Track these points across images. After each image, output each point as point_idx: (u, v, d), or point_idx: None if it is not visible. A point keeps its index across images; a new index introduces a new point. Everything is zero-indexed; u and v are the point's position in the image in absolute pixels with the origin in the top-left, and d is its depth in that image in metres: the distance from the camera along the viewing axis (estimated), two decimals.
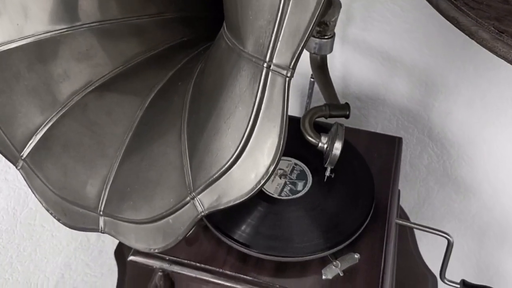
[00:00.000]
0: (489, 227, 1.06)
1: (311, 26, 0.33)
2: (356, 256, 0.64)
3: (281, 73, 0.36)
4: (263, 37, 0.36)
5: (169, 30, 0.59)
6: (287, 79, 0.36)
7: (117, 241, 1.06)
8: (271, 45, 0.36)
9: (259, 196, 0.69)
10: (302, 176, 0.71)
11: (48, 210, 0.53)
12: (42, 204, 0.54)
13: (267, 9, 0.35)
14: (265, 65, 0.36)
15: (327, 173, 0.68)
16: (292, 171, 0.72)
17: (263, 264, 0.64)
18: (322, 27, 0.66)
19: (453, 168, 1.01)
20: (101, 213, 0.51)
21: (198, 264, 0.65)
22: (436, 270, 1.03)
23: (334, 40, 0.68)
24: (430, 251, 1.08)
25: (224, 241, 0.65)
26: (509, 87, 0.85)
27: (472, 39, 0.44)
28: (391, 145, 0.82)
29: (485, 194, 1.01)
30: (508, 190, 0.97)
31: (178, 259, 0.65)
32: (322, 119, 0.70)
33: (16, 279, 0.89)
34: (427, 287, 1.03)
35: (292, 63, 0.35)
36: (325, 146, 0.63)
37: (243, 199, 0.40)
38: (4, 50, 0.52)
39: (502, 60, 0.84)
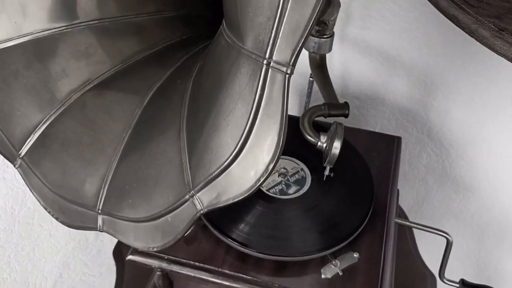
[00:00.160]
0: (488, 226, 1.06)
1: (311, 22, 0.33)
2: (356, 255, 0.63)
3: (281, 70, 0.36)
4: (262, 33, 0.36)
5: (168, 28, 0.59)
6: (287, 76, 0.36)
7: (115, 241, 1.06)
8: (271, 42, 0.35)
9: (259, 196, 0.69)
10: (299, 182, 0.71)
11: (46, 209, 0.53)
12: (40, 203, 0.53)
13: (267, 5, 0.35)
14: (264, 62, 0.36)
15: (326, 172, 0.67)
16: (293, 175, 0.71)
17: (262, 263, 0.64)
18: (321, 26, 0.66)
19: (452, 167, 1.01)
20: (99, 211, 0.51)
21: (197, 264, 0.64)
22: (435, 270, 1.03)
23: (333, 39, 0.67)
24: (429, 250, 1.08)
25: (223, 240, 0.65)
26: (509, 86, 0.85)
27: (472, 37, 0.44)
28: (390, 145, 0.82)
29: (484, 193, 1.01)
30: (508, 189, 0.97)
31: (177, 258, 0.65)
32: (322, 119, 0.70)
33: (14, 279, 0.88)
34: (426, 287, 1.03)
35: (292, 60, 0.35)
36: (324, 145, 0.63)
37: (243, 197, 0.40)
38: (2, 48, 0.52)
39: (501, 59, 0.84)
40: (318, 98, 0.75)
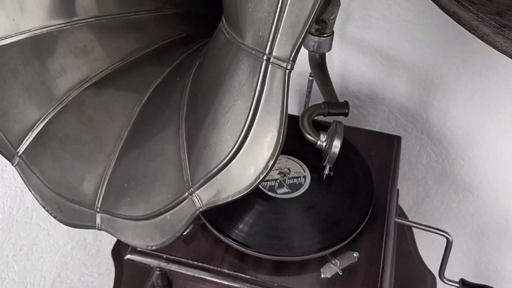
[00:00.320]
0: (488, 226, 1.06)
1: (312, 17, 0.33)
2: (355, 254, 0.63)
3: (281, 66, 0.35)
4: (262, 29, 0.35)
5: (167, 26, 0.59)
6: (287, 71, 0.35)
7: (114, 241, 1.06)
8: (270, 37, 0.35)
9: (258, 195, 0.68)
10: (293, 186, 0.70)
11: (44, 207, 0.53)
12: (38, 201, 0.53)
13: (267, 0, 0.34)
14: (264, 57, 0.36)
15: (326, 171, 0.67)
16: (292, 178, 0.71)
17: (262, 263, 0.64)
18: (321, 24, 0.66)
19: (452, 167, 1.01)
20: (98, 209, 0.50)
21: (196, 263, 0.64)
22: (434, 270, 1.02)
23: (333, 38, 0.67)
24: (429, 250, 1.08)
25: (222, 240, 0.64)
26: (509, 85, 0.85)
27: (473, 34, 0.44)
28: (390, 144, 0.82)
29: (484, 193, 1.01)
30: (507, 188, 0.97)
31: (175, 257, 0.65)
32: (322, 118, 0.70)
33: (12, 278, 0.88)
34: (426, 287, 1.02)
35: (292, 55, 0.35)
36: (324, 144, 0.63)
37: (242, 194, 0.40)
38: (0, 46, 0.51)
39: (501, 58, 0.85)
40: (317, 97, 0.74)
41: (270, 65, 0.36)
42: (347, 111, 0.69)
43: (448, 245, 0.70)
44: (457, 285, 0.76)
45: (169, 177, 0.45)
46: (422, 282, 1.03)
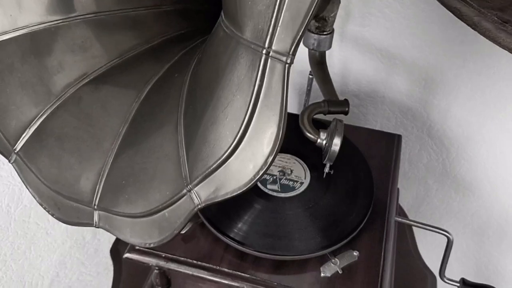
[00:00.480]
0: (488, 225, 1.05)
1: (312, 9, 0.32)
2: (355, 253, 0.63)
3: (280, 60, 0.35)
4: (262, 22, 0.35)
5: (166, 22, 0.58)
6: (287, 65, 0.35)
7: (113, 240, 1.06)
8: (270, 31, 0.35)
9: (258, 194, 0.68)
10: (285, 187, 0.69)
11: (41, 205, 0.52)
12: (35, 199, 0.53)
13: None
14: (264, 51, 0.35)
15: (326, 170, 0.67)
16: (290, 180, 0.70)
17: (261, 261, 0.63)
18: (321, 22, 0.66)
19: (452, 166, 1.00)
20: (95, 207, 0.50)
21: (195, 262, 0.64)
22: (435, 269, 1.02)
23: (333, 36, 0.67)
24: (429, 250, 1.08)
25: (222, 239, 0.64)
26: (509, 85, 0.85)
27: (475, 30, 0.43)
28: (390, 142, 0.82)
29: (484, 192, 1.00)
30: (508, 188, 0.97)
31: (174, 256, 0.64)
32: (322, 116, 0.70)
33: (10, 277, 0.87)
34: (426, 286, 1.02)
35: (292, 49, 0.34)
36: (324, 142, 0.62)
37: (241, 191, 0.39)
38: None
39: (501, 58, 0.84)
40: (317, 96, 0.74)
41: (269, 59, 0.35)
42: (347, 109, 0.69)
43: (449, 244, 0.70)
44: (458, 284, 0.76)
45: (168, 174, 0.45)
46: (422, 282, 1.02)
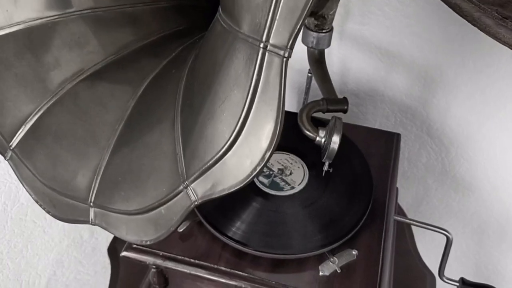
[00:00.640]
0: (488, 225, 1.05)
1: (310, 2, 0.32)
2: (354, 252, 0.63)
3: (278, 54, 0.35)
4: (259, 16, 0.34)
5: (164, 19, 0.58)
6: (285, 59, 0.34)
7: (110, 238, 1.05)
8: (267, 24, 0.34)
9: (256, 192, 0.67)
10: (275, 186, 0.68)
11: (37, 202, 0.52)
12: (31, 196, 0.52)
13: None
14: (261, 45, 0.35)
15: (325, 168, 0.66)
16: (284, 182, 0.69)
17: (259, 260, 0.63)
18: (320, 20, 0.65)
19: (452, 165, 1.00)
20: (91, 204, 0.49)
21: (192, 260, 0.63)
22: (434, 269, 1.02)
23: (332, 34, 0.67)
24: (429, 249, 1.07)
25: (219, 238, 0.63)
26: (509, 83, 0.85)
27: (475, 25, 0.43)
28: (389, 141, 0.82)
29: (484, 192, 1.00)
30: (508, 187, 0.97)
31: (172, 255, 0.64)
32: (321, 115, 0.69)
33: (6, 276, 0.87)
34: (425, 286, 1.02)
35: (290, 43, 0.34)
36: (323, 140, 0.62)
37: (238, 187, 0.39)
38: None
39: (502, 56, 0.84)
40: (316, 95, 0.74)
41: (267, 53, 0.35)
42: (346, 107, 0.69)
43: (448, 243, 0.69)
44: (457, 284, 0.76)
45: (164, 170, 0.44)
46: (421, 281, 1.02)
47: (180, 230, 0.65)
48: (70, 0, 0.53)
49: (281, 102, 0.36)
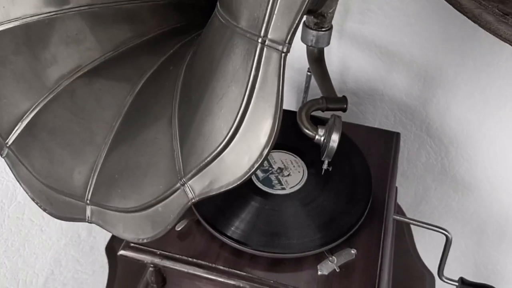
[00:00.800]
0: (488, 225, 1.05)
1: None
2: (353, 251, 0.62)
3: (276, 49, 0.34)
4: (257, 10, 0.34)
5: (162, 16, 0.58)
6: (283, 54, 0.34)
7: (108, 237, 1.05)
8: (266, 19, 0.34)
9: (254, 191, 0.67)
10: (267, 183, 0.68)
11: (33, 200, 0.52)
12: (27, 194, 0.52)
13: None
14: (259, 40, 0.34)
15: (324, 166, 0.66)
16: (277, 181, 0.69)
17: (258, 259, 0.62)
18: (320, 18, 0.65)
19: (451, 165, 1.00)
20: (88, 201, 0.49)
21: (190, 259, 0.63)
22: (433, 269, 1.01)
23: (331, 32, 0.66)
24: (428, 249, 1.07)
25: (218, 237, 0.63)
26: (509, 83, 0.84)
27: (476, 22, 0.43)
28: (389, 141, 0.81)
29: (483, 191, 1.00)
30: (508, 187, 0.96)
31: (169, 253, 0.64)
32: (320, 114, 0.69)
33: (3, 275, 0.87)
34: (425, 286, 1.01)
35: (288, 38, 0.34)
36: (322, 138, 0.62)
37: (236, 184, 0.39)
38: None
39: (502, 55, 0.83)
40: (316, 94, 0.73)
41: (265, 48, 0.35)
42: (345, 106, 0.68)
43: (447, 243, 0.69)
44: (457, 284, 0.75)
45: (161, 167, 0.44)
46: (420, 281, 1.02)
47: (178, 229, 0.65)
48: None
49: (280, 98, 0.35)
